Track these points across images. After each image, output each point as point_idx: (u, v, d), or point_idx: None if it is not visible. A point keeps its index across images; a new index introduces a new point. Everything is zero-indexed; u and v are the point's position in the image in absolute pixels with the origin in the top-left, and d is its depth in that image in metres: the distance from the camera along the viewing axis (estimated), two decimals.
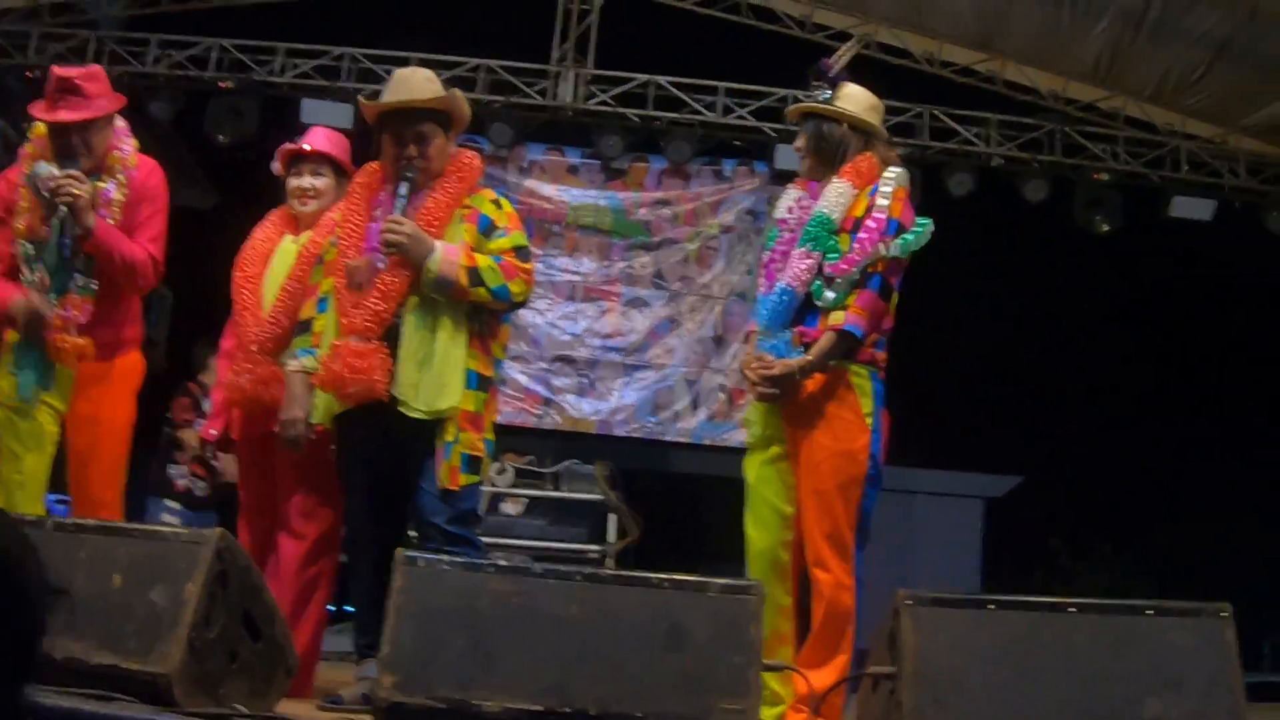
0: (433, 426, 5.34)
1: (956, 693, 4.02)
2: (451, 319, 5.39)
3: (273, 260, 6.11)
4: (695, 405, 13.71)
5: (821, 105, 5.67)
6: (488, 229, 5.55)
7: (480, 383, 5.45)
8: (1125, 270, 14.59)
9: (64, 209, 5.61)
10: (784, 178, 6.98)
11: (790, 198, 5.72)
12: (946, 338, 14.94)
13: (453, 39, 12.92)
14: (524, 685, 4.08)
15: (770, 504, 5.48)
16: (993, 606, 4.20)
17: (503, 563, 4.60)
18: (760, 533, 5.50)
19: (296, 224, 6.19)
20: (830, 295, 5.34)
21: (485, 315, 5.53)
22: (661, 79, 13.64)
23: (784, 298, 5.47)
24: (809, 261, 5.43)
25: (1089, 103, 13.92)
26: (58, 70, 5.85)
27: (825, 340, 5.30)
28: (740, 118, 13.64)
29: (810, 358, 5.30)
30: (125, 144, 6.00)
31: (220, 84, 13.37)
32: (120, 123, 6.03)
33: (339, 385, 5.33)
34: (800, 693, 5.13)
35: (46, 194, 5.67)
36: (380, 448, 5.44)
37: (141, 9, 13.92)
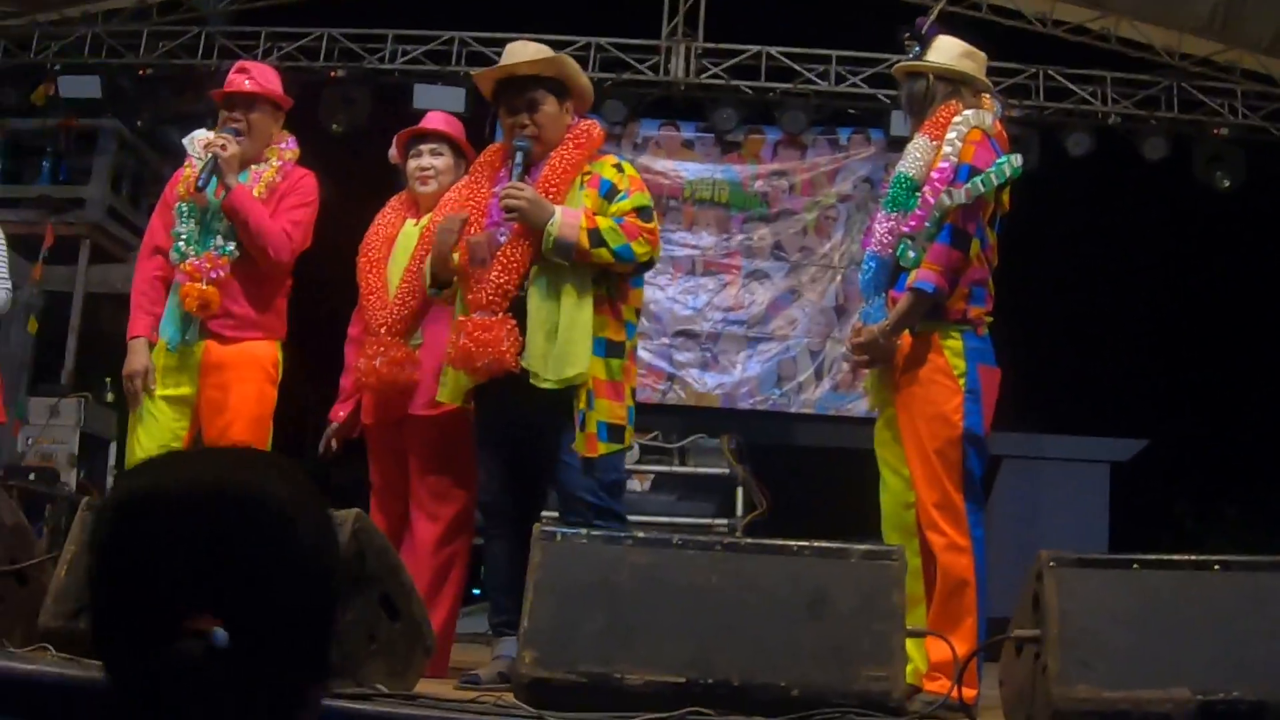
0: (567, 396, 5.32)
1: (1102, 654, 3.97)
2: (576, 285, 5.35)
3: (396, 245, 6.16)
4: (819, 376, 13.63)
5: (908, 62, 5.62)
6: (609, 193, 5.51)
7: (609, 349, 5.41)
8: (1249, 226, 14.33)
9: (211, 156, 5.89)
10: (900, 144, 6.96)
11: None
12: (1069, 301, 14.78)
13: (563, 18, 12.90)
14: (666, 657, 4.08)
15: (891, 466, 5.47)
16: (1136, 566, 4.14)
17: (640, 535, 4.59)
18: (885, 496, 5.50)
19: (417, 207, 6.24)
20: (912, 255, 5.28)
21: (613, 279, 5.48)
22: (773, 49, 13.54)
23: (871, 264, 5.47)
24: (890, 224, 5.41)
25: (1205, 57, 13.66)
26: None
27: (903, 302, 5.25)
28: (854, 85, 13.51)
29: (889, 322, 5.27)
30: (288, 144, 6.30)
31: (331, 73, 13.46)
32: (289, 135, 6.34)
33: (468, 360, 5.34)
34: (934, 660, 5.09)
35: (200, 150, 6.03)
36: (514, 423, 5.46)
37: (249, 2, 14.04)
